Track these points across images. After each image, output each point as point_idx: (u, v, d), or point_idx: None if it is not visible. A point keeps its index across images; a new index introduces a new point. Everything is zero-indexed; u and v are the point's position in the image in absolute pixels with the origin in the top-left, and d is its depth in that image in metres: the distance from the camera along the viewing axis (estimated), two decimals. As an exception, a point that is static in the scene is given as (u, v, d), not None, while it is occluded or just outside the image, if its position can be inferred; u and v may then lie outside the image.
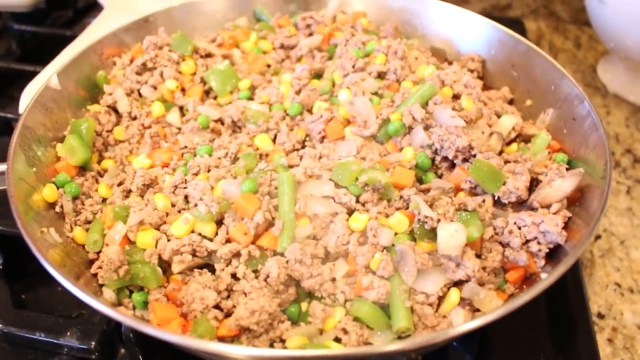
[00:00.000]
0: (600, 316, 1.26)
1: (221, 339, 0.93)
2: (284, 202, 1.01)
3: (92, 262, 1.06)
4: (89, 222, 1.11)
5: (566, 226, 1.03)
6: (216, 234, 1.02)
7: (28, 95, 1.50)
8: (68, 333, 1.08)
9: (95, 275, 1.03)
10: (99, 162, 1.23)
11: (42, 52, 1.92)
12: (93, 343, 1.07)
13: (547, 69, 1.30)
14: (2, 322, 1.11)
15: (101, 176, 1.21)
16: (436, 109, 1.14)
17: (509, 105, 1.35)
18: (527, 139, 1.23)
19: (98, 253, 1.06)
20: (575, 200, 1.07)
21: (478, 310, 0.99)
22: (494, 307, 0.98)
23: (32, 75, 1.59)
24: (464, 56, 1.45)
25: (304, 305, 0.99)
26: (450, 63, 1.46)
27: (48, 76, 1.52)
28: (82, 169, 1.19)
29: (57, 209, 1.10)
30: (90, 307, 0.85)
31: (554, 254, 1.01)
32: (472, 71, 1.42)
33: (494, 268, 1.01)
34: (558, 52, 2.02)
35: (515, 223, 1.01)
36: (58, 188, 1.12)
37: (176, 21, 1.48)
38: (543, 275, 0.94)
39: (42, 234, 1.00)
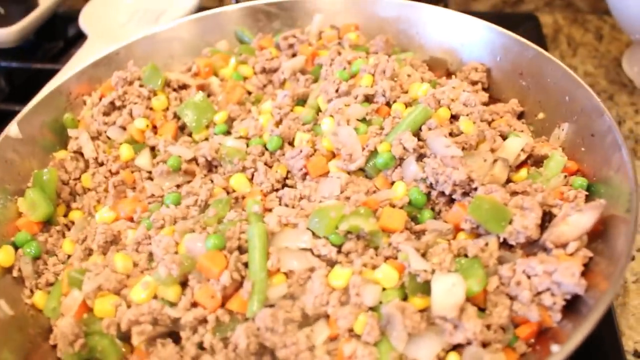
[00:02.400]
0: (637, 354, 1.09)
1: None
2: (254, 259, 0.89)
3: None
4: (52, 284, 1.02)
5: (587, 267, 0.87)
6: (181, 297, 0.91)
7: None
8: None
9: (54, 346, 0.93)
10: (66, 215, 1.14)
11: (32, 88, 1.85)
12: None
13: (559, 77, 1.13)
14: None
15: (69, 229, 1.11)
16: (429, 137, 1.00)
17: (518, 120, 1.19)
18: (539, 160, 1.08)
19: (60, 321, 0.97)
20: (598, 234, 0.91)
21: (484, 374, 0.84)
22: (503, 371, 0.83)
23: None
24: (466, 66, 1.29)
25: (280, 377, 0.87)
26: (451, 74, 1.31)
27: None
28: (48, 223, 1.10)
29: (15, 273, 1.01)
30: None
31: (573, 303, 0.86)
32: (475, 83, 1.26)
33: (500, 324, 0.86)
34: (578, 46, 1.82)
35: (524, 271, 0.86)
36: (17, 249, 1.03)
37: (151, 51, 1.37)
38: (554, 349, 0.78)
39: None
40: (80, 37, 2.00)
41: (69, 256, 1.06)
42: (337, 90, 1.13)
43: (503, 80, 1.26)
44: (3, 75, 1.85)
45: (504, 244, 0.93)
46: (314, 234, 0.92)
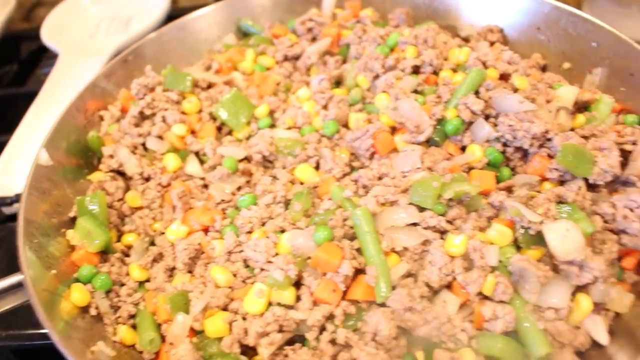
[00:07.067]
0: None
1: None
2: (368, 244, 0.86)
3: (149, 363, 0.88)
4: (133, 316, 0.92)
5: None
6: (297, 298, 0.86)
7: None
8: None
9: (163, 380, 0.85)
10: (118, 239, 1.03)
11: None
12: None
13: (582, 26, 1.18)
14: None
15: (127, 256, 1.01)
16: (497, 96, 1.01)
17: (543, 72, 1.23)
18: (582, 106, 1.12)
19: (157, 352, 0.88)
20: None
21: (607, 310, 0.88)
22: (626, 303, 0.87)
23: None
24: (480, 29, 1.32)
25: (419, 355, 0.85)
26: (466, 40, 1.33)
27: (16, 147, 1.31)
28: (103, 252, 0.99)
29: (92, 311, 0.91)
30: None
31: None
32: (493, 43, 1.29)
33: (611, 260, 0.90)
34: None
35: (625, 206, 0.90)
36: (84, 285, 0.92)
37: (157, 54, 1.28)
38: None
39: (92, 355, 0.81)
40: (35, 56, 1.83)
41: (140, 282, 0.97)
42: (383, 66, 1.11)
43: (519, 38, 1.30)
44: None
45: (589, 187, 0.96)
46: (416, 207, 0.90)
